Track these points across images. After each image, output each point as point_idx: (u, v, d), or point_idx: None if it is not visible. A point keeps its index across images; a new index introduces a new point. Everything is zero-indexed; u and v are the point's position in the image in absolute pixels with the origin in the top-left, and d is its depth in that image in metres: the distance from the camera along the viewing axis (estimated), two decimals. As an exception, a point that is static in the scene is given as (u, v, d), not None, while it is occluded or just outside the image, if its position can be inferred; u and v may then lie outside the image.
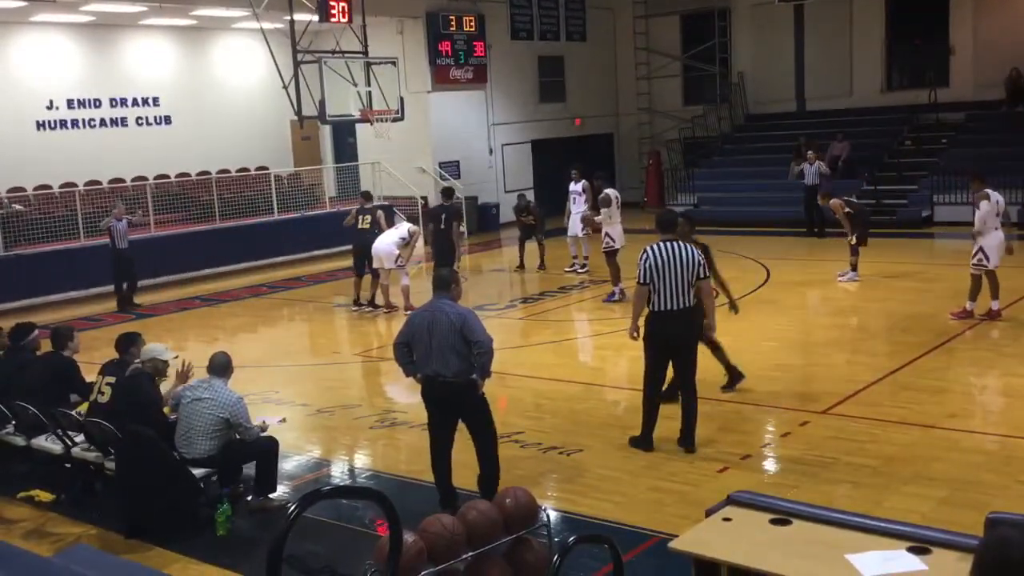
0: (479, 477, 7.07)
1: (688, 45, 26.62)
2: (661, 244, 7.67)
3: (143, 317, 15.37)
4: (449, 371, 6.76)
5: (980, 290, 11.59)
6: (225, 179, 20.84)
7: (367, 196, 15.84)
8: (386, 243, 13.99)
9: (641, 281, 7.65)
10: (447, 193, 14.63)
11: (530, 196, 20.14)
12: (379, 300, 14.54)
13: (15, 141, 19.00)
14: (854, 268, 14.60)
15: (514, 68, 24.35)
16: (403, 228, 14.24)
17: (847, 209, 14.50)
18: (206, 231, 19.30)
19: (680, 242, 7.77)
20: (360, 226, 14.65)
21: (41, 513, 7.51)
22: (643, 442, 7.94)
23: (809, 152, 19.32)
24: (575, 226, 16.46)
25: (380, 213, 15.18)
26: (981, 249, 11.41)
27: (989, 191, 11.61)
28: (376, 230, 14.47)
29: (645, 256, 7.63)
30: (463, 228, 15.32)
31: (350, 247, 15.26)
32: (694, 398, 7.92)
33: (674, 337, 7.75)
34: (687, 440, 7.90)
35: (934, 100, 21.33)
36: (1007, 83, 21.47)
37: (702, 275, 7.69)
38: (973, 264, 11.51)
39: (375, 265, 14.24)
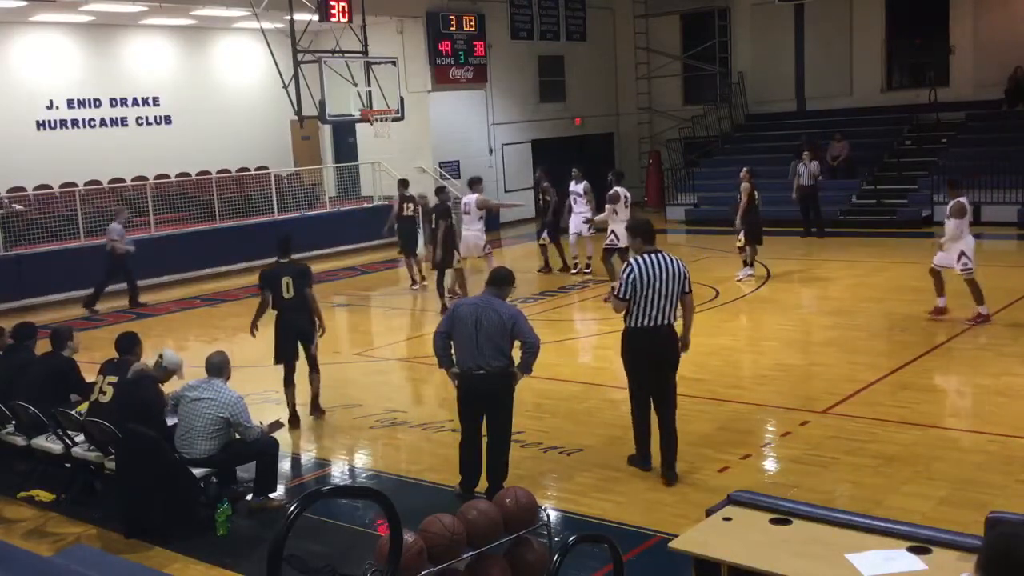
0: (487, 467, 7.12)
1: (688, 45, 26.63)
2: (647, 256, 7.15)
3: (143, 317, 15.36)
4: (490, 365, 6.86)
5: (980, 290, 11.54)
6: (225, 179, 20.83)
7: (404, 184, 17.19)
8: None
9: (620, 296, 7.13)
10: (440, 191, 14.77)
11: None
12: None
13: (15, 141, 18.99)
14: (747, 264, 15.04)
15: (514, 68, 24.34)
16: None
17: (747, 198, 14.73)
18: (206, 231, 19.30)
19: (666, 254, 7.23)
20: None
21: (41, 513, 7.51)
22: (640, 461, 7.57)
23: (804, 152, 19.29)
24: (578, 226, 16.45)
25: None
26: (963, 253, 11.38)
27: (963, 199, 11.62)
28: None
29: (629, 269, 7.13)
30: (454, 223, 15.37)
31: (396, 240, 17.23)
32: (673, 420, 7.31)
33: (657, 355, 7.24)
34: (668, 469, 7.29)
35: (934, 100, 21.30)
36: (1010, 81, 21.46)
37: (687, 289, 7.24)
38: (961, 270, 11.48)
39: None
